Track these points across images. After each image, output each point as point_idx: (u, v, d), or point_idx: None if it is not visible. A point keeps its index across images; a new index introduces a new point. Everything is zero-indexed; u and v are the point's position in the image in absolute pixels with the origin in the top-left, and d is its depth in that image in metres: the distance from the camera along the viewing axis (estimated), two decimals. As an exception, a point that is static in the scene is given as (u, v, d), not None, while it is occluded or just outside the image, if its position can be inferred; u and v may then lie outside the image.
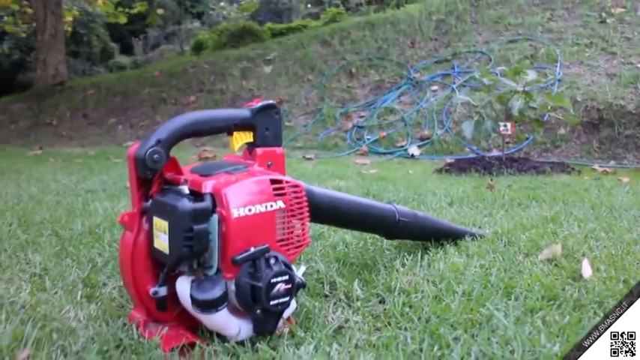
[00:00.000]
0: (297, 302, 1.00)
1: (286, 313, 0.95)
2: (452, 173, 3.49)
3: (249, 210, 0.88)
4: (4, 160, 5.09)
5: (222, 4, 16.24)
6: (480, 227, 1.75)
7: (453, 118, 5.13)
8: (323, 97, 6.48)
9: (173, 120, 0.92)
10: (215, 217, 0.88)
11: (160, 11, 11.87)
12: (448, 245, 1.46)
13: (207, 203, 0.87)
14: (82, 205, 2.31)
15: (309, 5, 16.07)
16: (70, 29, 12.62)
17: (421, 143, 5.01)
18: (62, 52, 10.48)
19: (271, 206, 0.91)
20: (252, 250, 0.87)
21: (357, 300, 1.13)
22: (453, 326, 0.97)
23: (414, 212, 1.38)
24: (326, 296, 1.19)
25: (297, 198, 0.96)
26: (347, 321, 1.03)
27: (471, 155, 4.40)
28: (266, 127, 1.01)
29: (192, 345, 0.90)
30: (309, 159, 4.83)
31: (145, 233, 0.94)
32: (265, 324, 0.90)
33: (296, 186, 0.97)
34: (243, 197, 0.89)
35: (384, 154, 5.01)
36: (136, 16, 12.50)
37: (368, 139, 5.36)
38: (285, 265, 0.90)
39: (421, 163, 4.44)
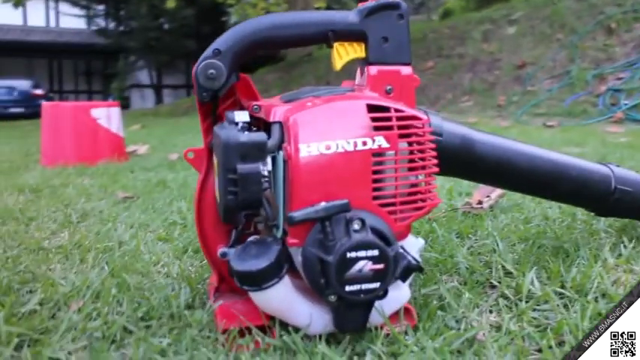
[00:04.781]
0: (410, 290, 0.68)
1: (389, 308, 0.64)
2: None
3: (328, 147, 0.59)
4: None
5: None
6: None
7: None
8: (573, 58, 5.64)
9: (242, 24, 0.67)
10: (281, 155, 0.61)
11: (407, -21, 11.73)
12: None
13: (262, 135, 0.60)
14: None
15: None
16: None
17: (698, 110, 4.00)
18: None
19: (364, 144, 0.61)
20: (322, 205, 0.58)
21: (527, 299, 0.77)
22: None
23: (644, 179, 0.93)
24: (492, 287, 0.85)
25: (412, 136, 0.64)
26: (498, 328, 0.69)
27: None
28: (384, 37, 0.69)
29: (261, 327, 0.65)
30: (550, 126, 4.22)
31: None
32: (346, 317, 0.61)
33: (414, 118, 0.64)
34: (320, 129, 0.60)
35: (645, 122, 4.13)
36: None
37: (625, 104, 4.48)
38: (379, 234, 0.59)
39: (695, 133, 3.51)
